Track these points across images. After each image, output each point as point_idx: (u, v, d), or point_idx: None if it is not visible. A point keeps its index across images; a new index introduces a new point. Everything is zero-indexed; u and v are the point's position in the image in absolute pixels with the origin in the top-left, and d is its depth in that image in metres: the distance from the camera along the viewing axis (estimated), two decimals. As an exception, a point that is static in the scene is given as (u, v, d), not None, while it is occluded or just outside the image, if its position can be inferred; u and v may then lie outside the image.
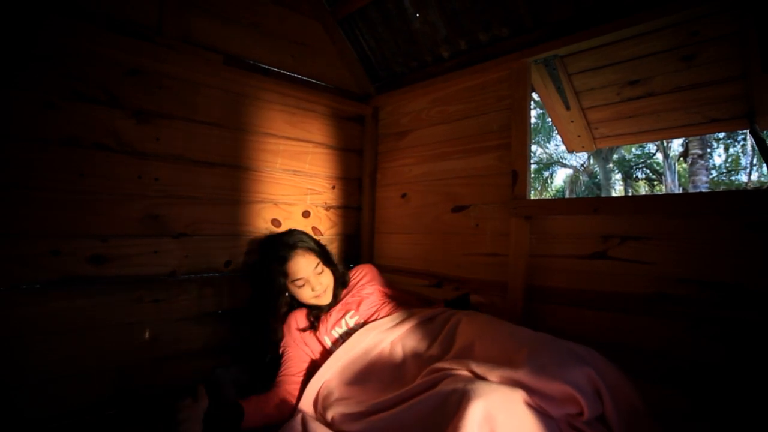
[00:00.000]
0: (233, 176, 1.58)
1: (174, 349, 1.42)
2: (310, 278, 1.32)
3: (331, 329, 1.34)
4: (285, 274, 1.32)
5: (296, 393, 1.22)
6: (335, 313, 1.37)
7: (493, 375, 0.85)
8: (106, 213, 1.28)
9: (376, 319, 1.31)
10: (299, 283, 1.32)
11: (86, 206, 1.25)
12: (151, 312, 1.36)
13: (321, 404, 1.09)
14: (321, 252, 1.40)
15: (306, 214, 1.80)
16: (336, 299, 1.39)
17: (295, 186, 1.76)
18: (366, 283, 1.45)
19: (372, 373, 1.13)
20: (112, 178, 1.30)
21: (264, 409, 1.13)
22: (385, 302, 1.39)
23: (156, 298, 1.38)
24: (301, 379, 1.26)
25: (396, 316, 1.28)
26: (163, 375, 1.39)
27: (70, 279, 1.22)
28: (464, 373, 0.89)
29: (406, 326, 1.22)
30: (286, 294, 1.36)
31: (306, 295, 1.33)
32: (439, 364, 0.96)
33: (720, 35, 1.36)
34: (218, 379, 1.42)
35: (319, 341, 1.33)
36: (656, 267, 1.22)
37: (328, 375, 1.16)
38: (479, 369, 0.88)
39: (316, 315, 1.37)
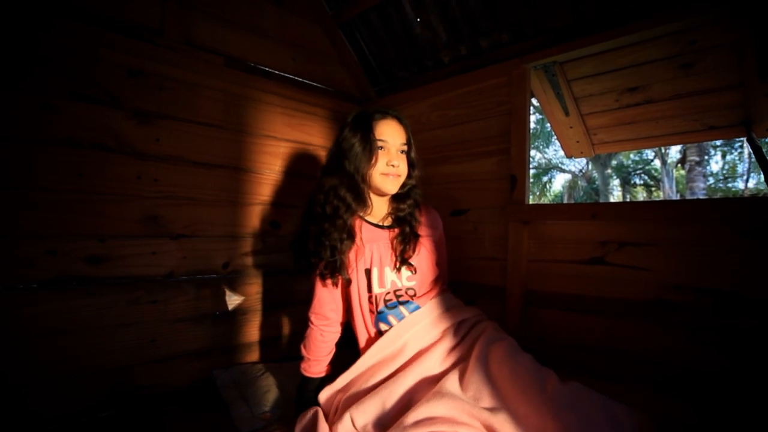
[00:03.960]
0: (233, 178, 1.58)
1: (172, 350, 1.41)
2: (392, 149, 1.16)
3: (375, 264, 1.17)
4: (370, 132, 1.13)
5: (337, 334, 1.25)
6: (389, 241, 1.19)
7: None
8: (104, 213, 1.28)
9: (425, 297, 1.20)
10: (379, 143, 1.14)
11: (85, 206, 1.25)
12: (148, 313, 1.36)
13: (342, 403, 1.04)
14: (410, 141, 1.22)
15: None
16: (397, 209, 1.22)
17: (294, 188, 1.76)
18: (437, 238, 1.28)
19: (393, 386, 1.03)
20: (111, 179, 1.30)
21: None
22: (436, 276, 1.26)
23: (154, 299, 1.37)
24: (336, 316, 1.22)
25: (439, 307, 1.17)
26: (160, 376, 1.38)
27: (67, 279, 1.21)
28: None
29: (442, 328, 1.13)
30: (374, 151, 1.13)
31: (379, 162, 1.14)
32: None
33: (718, 44, 1.37)
34: (216, 380, 1.42)
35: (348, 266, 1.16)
36: (654, 273, 1.23)
37: (356, 373, 1.11)
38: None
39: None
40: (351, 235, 1.15)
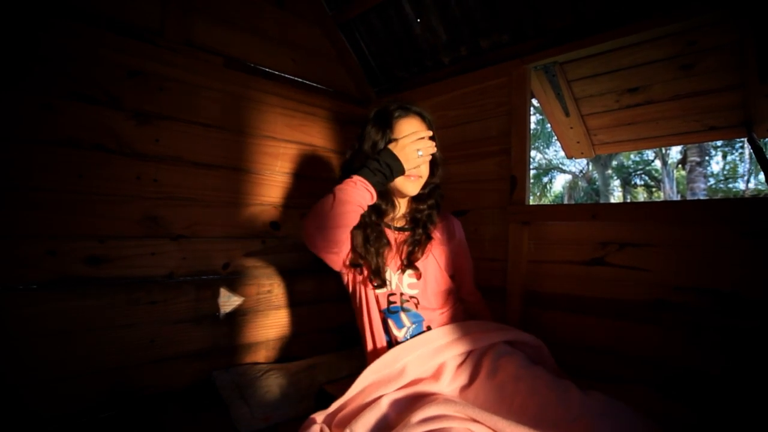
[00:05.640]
0: (233, 178, 1.58)
1: (171, 351, 1.41)
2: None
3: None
4: (389, 129, 1.09)
5: None
6: (396, 245, 1.15)
7: None
8: (104, 214, 1.28)
9: (432, 323, 1.13)
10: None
11: (84, 207, 1.25)
12: (148, 314, 1.36)
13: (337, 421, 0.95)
14: (434, 140, 1.14)
15: (305, 217, 1.80)
16: (416, 210, 1.18)
17: (294, 189, 1.76)
18: (454, 247, 1.23)
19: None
20: (111, 179, 1.29)
21: None
22: (447, 289, 1.19)
23: (153, 300, 1.37)
24: None
25: (448, 335, 1.08)
26: (160, 377, 1.38)
27: (66, 280, 1.21)
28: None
29: (445, 357, 1.04)
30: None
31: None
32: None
33: (718, 45, 1.37)
34: (216, 381, 1.42)
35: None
36: (654, 274, 1.23)
37: (352, 394, 1.01)
38: None
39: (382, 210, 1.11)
40: (388, 241, 1.14)
